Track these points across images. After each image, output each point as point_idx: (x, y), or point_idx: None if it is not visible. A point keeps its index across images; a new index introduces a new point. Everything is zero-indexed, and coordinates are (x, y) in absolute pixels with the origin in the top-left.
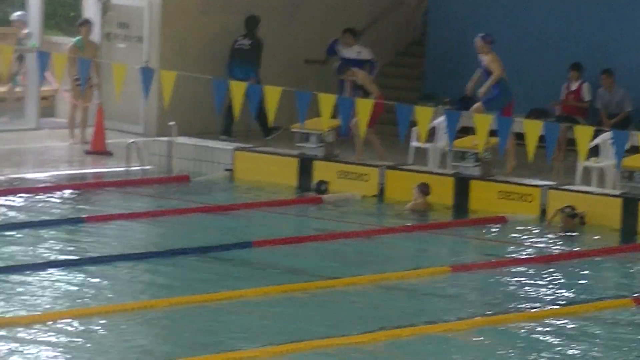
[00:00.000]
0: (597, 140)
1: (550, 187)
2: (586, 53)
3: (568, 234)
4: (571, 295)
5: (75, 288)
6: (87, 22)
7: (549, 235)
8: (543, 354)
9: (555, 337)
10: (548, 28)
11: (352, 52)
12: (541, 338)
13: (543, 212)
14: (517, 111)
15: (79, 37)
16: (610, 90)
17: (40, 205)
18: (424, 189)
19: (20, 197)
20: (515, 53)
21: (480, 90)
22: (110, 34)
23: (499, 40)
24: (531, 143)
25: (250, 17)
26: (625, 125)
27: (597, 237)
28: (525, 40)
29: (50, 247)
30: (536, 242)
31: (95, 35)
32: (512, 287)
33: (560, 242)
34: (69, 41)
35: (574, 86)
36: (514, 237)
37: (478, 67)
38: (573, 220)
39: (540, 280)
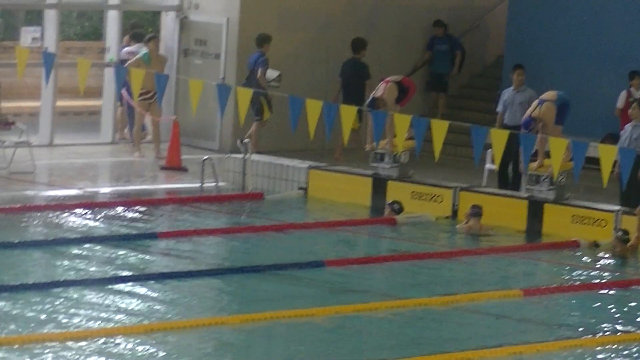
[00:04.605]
0: None
1: (625, 212)
2: None
3: (620, 258)
4: None
5: (147, 303)
6: (154, 38)
7: (621, 260)
8: None
9: None
10: (627, 54)
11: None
12: None
13: None
14: (592, 136)
15: (145, 52)
16: (517, 88)
17: (113, 220)
18: (472, 211)
19: (94, 211)
20: (592, 78)
21: None
22: (188, 50)
23: (576, 65)
24: (606, 168)
25: None
26: None
27: None
28: (601, 64)
29: (122, 262)
30: (609, 267)
31: (173, 51)
32: (584, 312)
33: (634, 267)
34: None
35: (638, 94)
36: (587, 261)
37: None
38: (625, 244)
39: (613, 305)
